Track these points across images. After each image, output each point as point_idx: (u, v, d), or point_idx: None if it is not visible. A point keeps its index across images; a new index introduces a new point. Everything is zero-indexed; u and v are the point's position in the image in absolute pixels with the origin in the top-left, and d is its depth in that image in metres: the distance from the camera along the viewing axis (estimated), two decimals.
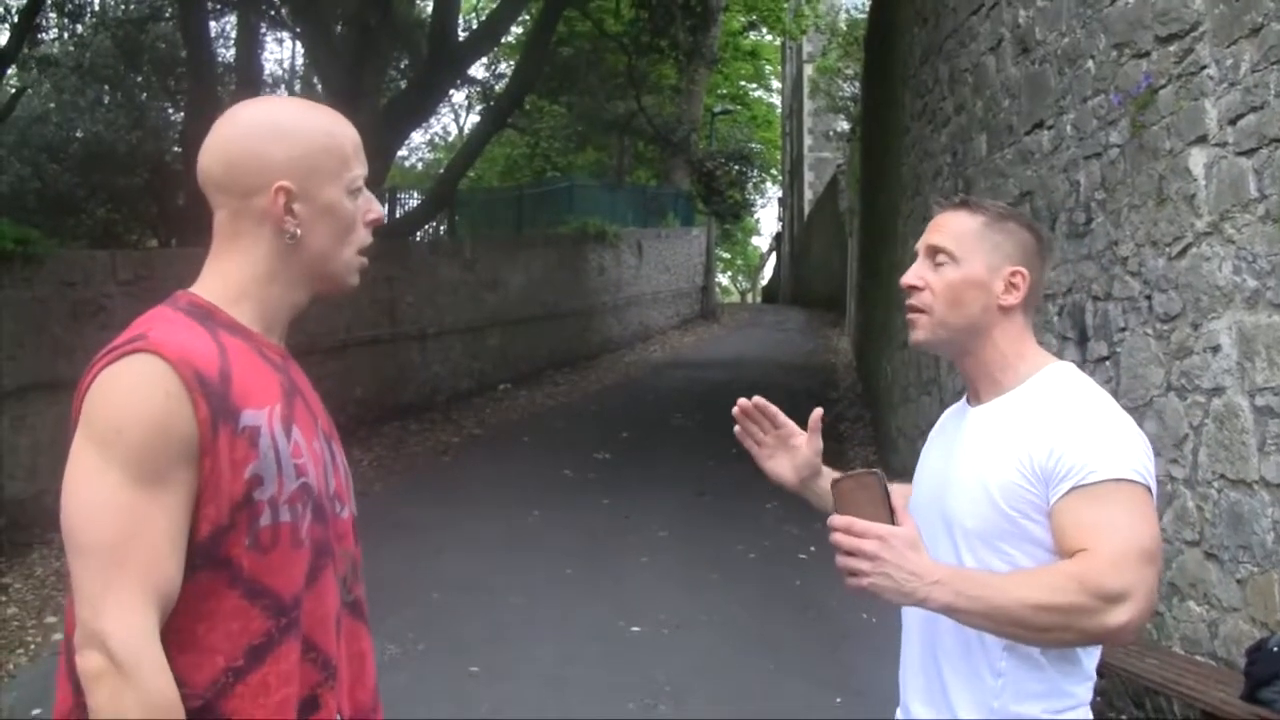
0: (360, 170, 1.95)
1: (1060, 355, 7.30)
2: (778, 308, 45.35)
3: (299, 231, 1.88)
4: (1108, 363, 6.81)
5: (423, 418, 15.64)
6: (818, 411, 2.59)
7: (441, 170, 21.48)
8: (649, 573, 9.01)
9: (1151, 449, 2.32)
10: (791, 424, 2.67)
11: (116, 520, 1.67)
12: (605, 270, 24.31)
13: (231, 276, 1.90)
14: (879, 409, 14.32)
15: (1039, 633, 2.13)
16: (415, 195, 21.23)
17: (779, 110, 57.82)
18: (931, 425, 9.28)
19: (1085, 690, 2.31)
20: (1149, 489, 2.21)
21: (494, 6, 20.12)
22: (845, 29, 26.40)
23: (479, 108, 21.98)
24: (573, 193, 24.18)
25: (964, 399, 2.55)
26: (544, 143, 25.63)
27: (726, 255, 68.23)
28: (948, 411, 2.67)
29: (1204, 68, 5.87)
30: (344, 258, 1.96)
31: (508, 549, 9.58)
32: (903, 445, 11.39)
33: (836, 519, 2.10)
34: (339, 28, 16.48)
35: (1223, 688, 4.85)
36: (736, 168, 24.22)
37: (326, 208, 1.90)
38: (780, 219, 64.00)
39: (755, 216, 61.62)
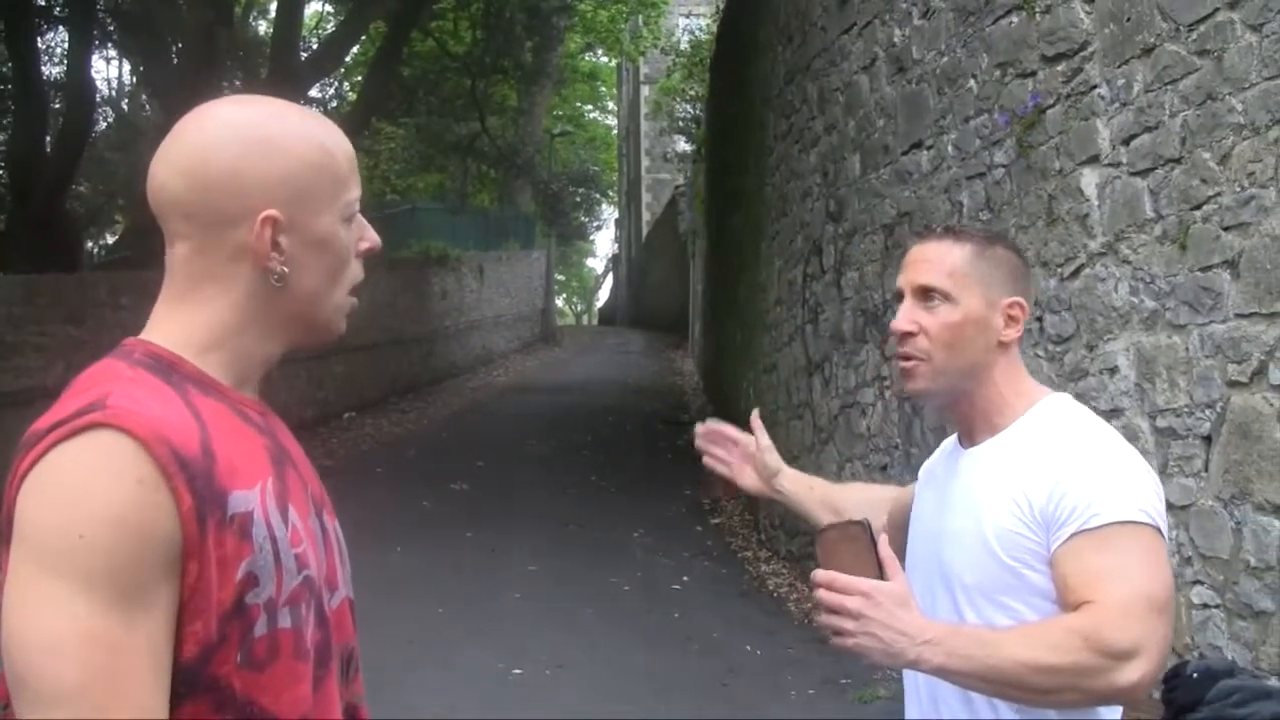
0: (356, 191, 1.57)
1: None
2: (617, 330, 45.27)
3: (286, 270, 1.49)
4: None
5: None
6: (755, 412, 2.59)
7: None
8: (523, 610, 8.69)
9: (1160, 485, 2.14)
10: (747, 436, 2.60)
11: (85, 658, 1.26)
12: (448, 294, 23.90)
13: (198, 324, 1.49)
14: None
15: (1041, 695, 1.98)
16: None
17: (615, 132, 57.94)
18: (804, 449, 9.20)
19: None
20: (1159, 530, 2.03)
21: (335, 27, 19.60)
22: (690, 50, 26.47)
23: None
24: (415, 216, 23.70)
25: (953, 441, 2.34)
26: (384, 165, 25.06)
27: (561, 277, 68.12)
28: (937, 453, 2.45)
29: (1094, 87, 5.83)
30: (334, 300, 1.56)
31: (372, 589, 9.05)
32: None
33: (819, 574, 1.93)
34: (175, 45, 15.78)
35: (1142, 716, 4.75)
36: (581, 189, 24.04)
37: (319, 240, 1.52)
38: (616, 240, 64.13)
39: (591, 238, 61.61)
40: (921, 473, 2.46)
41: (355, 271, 1.59)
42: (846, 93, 9.00)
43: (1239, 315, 4.86)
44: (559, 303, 68.16)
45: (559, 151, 37.50)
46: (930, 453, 7.38)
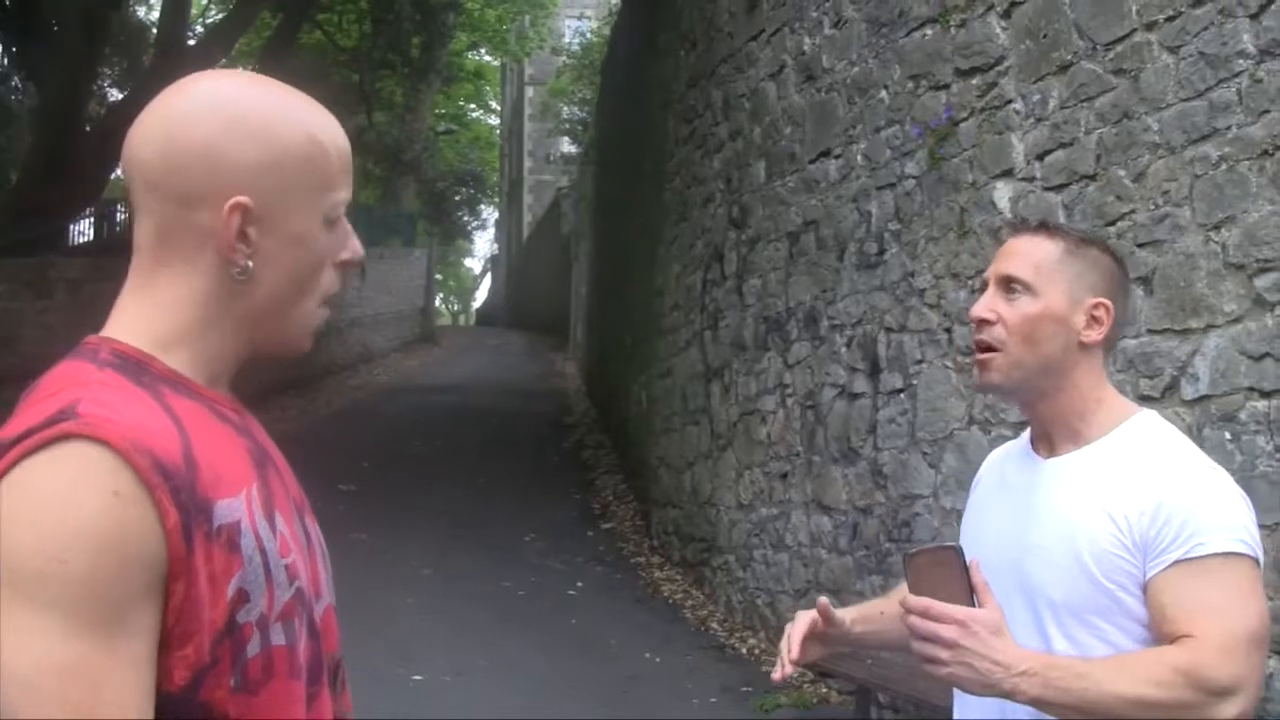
0: (345, 193, 1.43)
1: (849, 386, 7.29)
2: (497, 331, 44.90)
3: (250, 265, 1.35)
4: (903, 395, 6.79)
5: None
6: (823, 603, 2.22)
7: None
8: (420, 615, 8.53)
9: (1253, 510, 2.08)
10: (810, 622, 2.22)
11: (65, 692, 1.14)
12: None
13: (162, 314, 1.36)
14: (628, 437, 14.17)
15: None
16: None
17: (498, 132, 57.58)
18: (700, 455, 9.13)
19: None
20: (1258, 561, 1.99)
21: (224, 14, 19.12)
22: (581, 52, 26.38)
23: None
24: None
25: (1024, 447, 2.26)
26: None
27: (439, 277, 67.56)
28: (999, 460, 2.36)
29: (1009, 102, 5.90)
30: (302, 310, 1.42)
31: None
32: (664, 475, 11.24)
33: (912, 600, 1.88)
34: (55, 27, 15.21)
35: None
36: (466, 189, 23.79)
37: (292, 239, 1.38)
38: (496, 241, 63.72)
39: (471, 238, 61.13)
40: (985, 474, 2.37)
41: (329, 281, 1.44)
42: (753, 99, 9.00)
43: (1152, 331, 4.95)
44: (436, 302, 67.57)
45: (443, 150, 37.16)
46: (832, 460, 7.40)
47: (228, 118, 1.35)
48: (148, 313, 1.36)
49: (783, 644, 2.19)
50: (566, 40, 32.60)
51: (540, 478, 14.50)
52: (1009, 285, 2.11)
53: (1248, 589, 1.95)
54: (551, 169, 41.50)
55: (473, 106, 53.09)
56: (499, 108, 56.08)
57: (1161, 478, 2.00)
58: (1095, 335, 2.11)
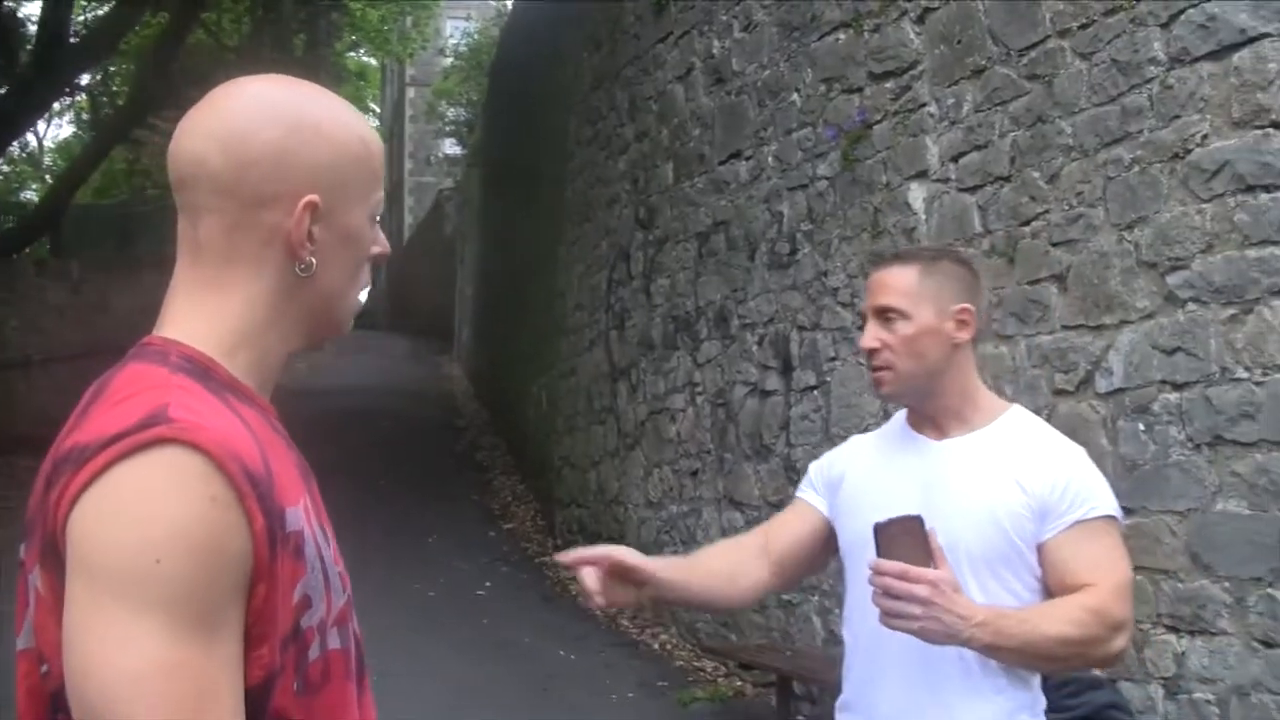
0: (382, 192, 1.50)
1: (761, 384, 7.41)
2: (379, 333, 44.31)
3: (314, 262, 1.40)
4: (816, 392, 6.93)
5: (37, 451, 14.16)
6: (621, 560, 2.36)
7: (29, 184, 19.72)
8: None
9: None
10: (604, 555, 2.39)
11: (170, 689, 1.16)
12: None
13: (228, 315, 1.38)
14: (527, 437, 14.17)
15: (1060, 662, 2.39)
16: None
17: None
18: (606, 454, 9.15)
19: (1041, 694, 2.48)
20: (1123, 524, 2.46)
21: (108, 11, 18.65)
22: (469, 53, 26.23)
23: (83, 118, 20.37)
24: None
25: (901, 431, 2.58)
26: (145, 159, 23.96)
27: None
28: (869, 447, 2.66)
29: (924, 105, 6.06)
30: (351, 300, 1.48)
31: None
32: (568, 475, 11.28)
33: (887, 564, 2.16)
34: None
35: None
36: None
37: (348, 235, 1.43)
38: None
39: None
40: (856, 459, 2.64)
41: (367, 274, 1.51)
42: (660, 101, 9.10)
43: (1066, 327, 5.14)
44: None
45: None
46: (744, 457, 7.48)
47: (292, 121, 1.39)
48: (212, 314, 1.38)
49: (586, 572, 2.33)
50: (451, 40, 32.38)
51: (438, 480, 14.42)
52: (885, 314, 2.45)
53: (1122, 545, 2.42)
54: (433, 171, 41.16)
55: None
56: (378, 109, 55.50)
57: (1055, 455, 2.42)
58: (965, 335, 2.48)
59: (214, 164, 1.36)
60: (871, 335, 2.47)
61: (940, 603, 2.13)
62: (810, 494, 2.68)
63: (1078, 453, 2.46)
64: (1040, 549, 2.36)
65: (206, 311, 1.38)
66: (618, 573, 2.37)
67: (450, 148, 35.48)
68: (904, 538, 2.16)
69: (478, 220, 23.31)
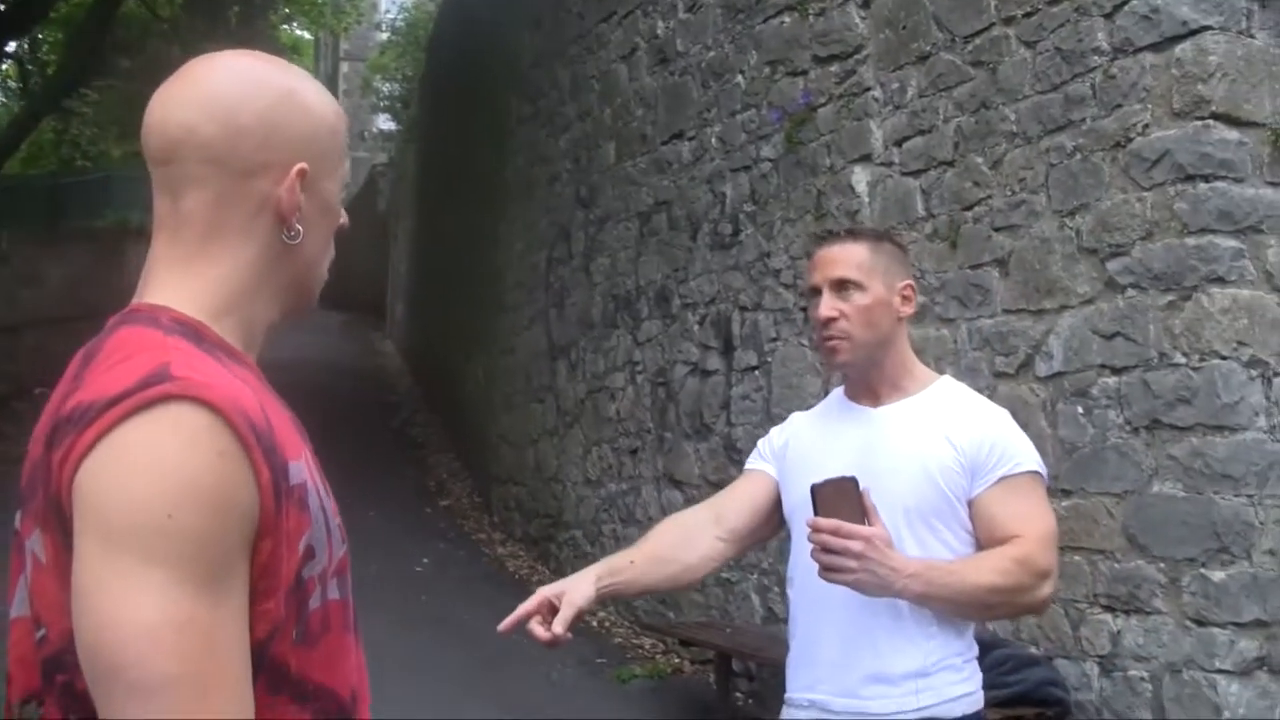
0: (348, 163, 1.55)
1: (703, 363, 7.43)
2: (311, 310, 43.99)
3: (300, 230, 1.42)
4: (757, 372, 6.98)
5: None
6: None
7: None
8: None
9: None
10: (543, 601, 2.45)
11: (184, 643, 1.17)
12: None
13: (215, 283, 1.39)
14: (463, 414, 14.12)
15: (989, 610, 2.61)
16: None
17: None
18: (544, 432, 9.15)
19: (974, 643, 2.60)
20: (1046, 480, 2.62)
21: None
22: (405, 28, 25.95)
23: (10, 87, 19.90)
24: (110, 185, 22.40)
25: (839, 403, 2.74)
26: (74, 129, 23.50)
27: None
28: (811, 420, 2.80)
29: (868, 89, 6.11)
30: (323, 270, 1.51)
31: None
32: (506, 452, 11.26)
33: (823, 521, 2.28)
34: None
35: None
36: None
37: (325, 204, 1.46)
38: None
39: None
40: (800, 431, 2.77)
41: (331, 246, 1.53)
42: (603, 81, 9.08)
43: (1008, 311, 5.22)
44: None
45: None
46: (684, 436, 7.48)
47: (278, 92, 1.41)
48: (199, 282, 1.39)
49: (532, 625, 2.39)
50: (386, 14, 32.06)
51: (373, 456, 14.31)
52: (842, 285, 2.58)
53: (1046, 500, 2.58)
54: (367, 146, 40.77)
55: None
56: None
57: (981, 417, 2.58)
58: (908, 310, 2.65)
59: (204, 134, 1.37)
60: (829, 305, 2.58)
61: (874, 556, 2.27)
62: (760, 463, 2.80)
63: (1003, 414, 2.63)
64: (970, 504, 2.51)
65: (193, 279, 1.38)
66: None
67: (384, 123, 35.13)
68: (839, 497, 2.29)
69: (413, 197, 23.14)
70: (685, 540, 2.71)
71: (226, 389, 1.25)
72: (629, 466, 8.49)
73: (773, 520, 2.75)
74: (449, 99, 16.73)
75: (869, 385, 2.66)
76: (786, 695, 2.65)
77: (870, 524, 2.30)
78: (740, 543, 2.76)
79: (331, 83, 47.46)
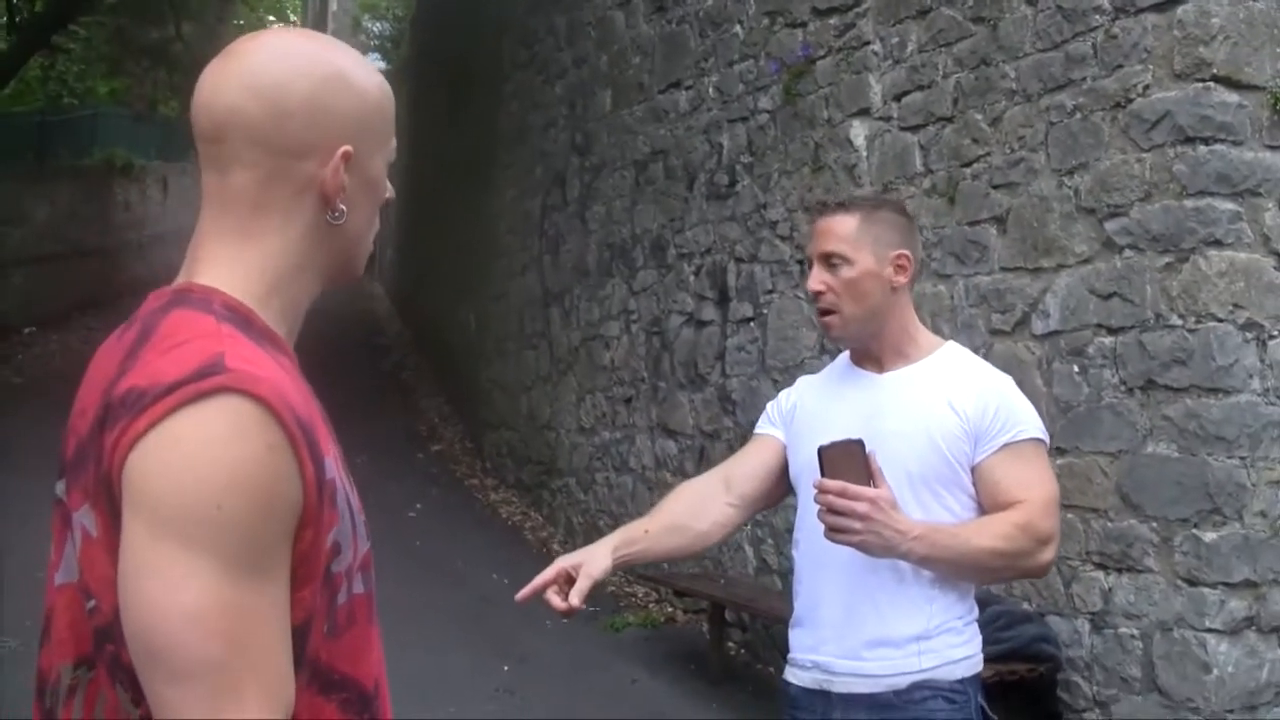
0: (395, 139, 1.54)
1: (698, 314, 7.45)
2: None
3: (344, 209, 1.44)
4: (752, 324, 6.99)
5: None
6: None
7: None
8: None
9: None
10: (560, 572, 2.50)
11: (225, 627, 1.21)
12: (130, 206, 22.53)
13: (259, 265, 1.41)
14: (453, 359, 14.13)
15: (991, 573, 2.67)
16: None
17: None
18: (538, 379, 9.19)
19: (974, 605, 2.65)
20: (1048, 445, 2.65)
21: None
22: None
23: None
24: (97, 122, 22.22)
25: (845, 368, 2.75)
26: (60, 65, 23.28)
27: None
28: (818, 383, 2.83)
29: (867, 43, 6.09)
30: (368, 244, 1.53)
31: None
32: (498, 398, 11.29)
33: (829, 483, 2.32)
34: None
35: None
36: None
37: (371, 182, 1.48)
38: None
39: None
40: (804, 396, 2.80)
41: (378, 219, 1.56)
42: (599, 27, 9.02)
43: (1005, 269, 5.24)
44: None
45: None
46: (678, 386, 7.50)
47: (324, 72, 1.43)
48: (247, 262, 1.41)
49: (549, 595, 2.42)
50: None
51: (363, 400, 14.30)
52: (829, 259, 2.62)
53: (1048, 466, 2.63)
54: None
55: (271, 18, 51.31)
56: (298, 21, 54.31)
57: (985, 383, 2.61)
58: (903, 279, 2.64)
59: (251, 115, 1.39)
60: (816, 279, 2.63)
61: (879, 518, 2.31)
62: (768, 428, 2.82)
63: (1006, 381, 2.65)
64: (974, 470, 2.54)
65: (241, 259, 1.41)
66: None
67: (374, 61, 34.95)
68: (845, 459, 2.34)
69: (403, 139, 22.90)
70: (697, 508, 2.77)
71: (277, 382, 1.28)
72: (623, 415, 8.52)
73: (782, 484, 2.78)
74: (441, 42, 16.61)
75: (871, 353, 2.69)
76: (790, 656, 2.69)
77: (876, 486, 2.34)
78: (751, 507, 2.83)
79: (320, 21, 47.04)
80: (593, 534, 8.94)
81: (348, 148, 1.42)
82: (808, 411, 2.74)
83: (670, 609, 7.60)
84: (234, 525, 1.22)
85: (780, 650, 6.29)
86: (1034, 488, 2.52)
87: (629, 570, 8.27)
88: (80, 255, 19.46)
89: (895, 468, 2.45)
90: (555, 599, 2.42)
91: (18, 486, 8.89)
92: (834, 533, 2.35)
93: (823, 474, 2.35)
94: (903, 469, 2.49)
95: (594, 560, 2.48)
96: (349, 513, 1.37)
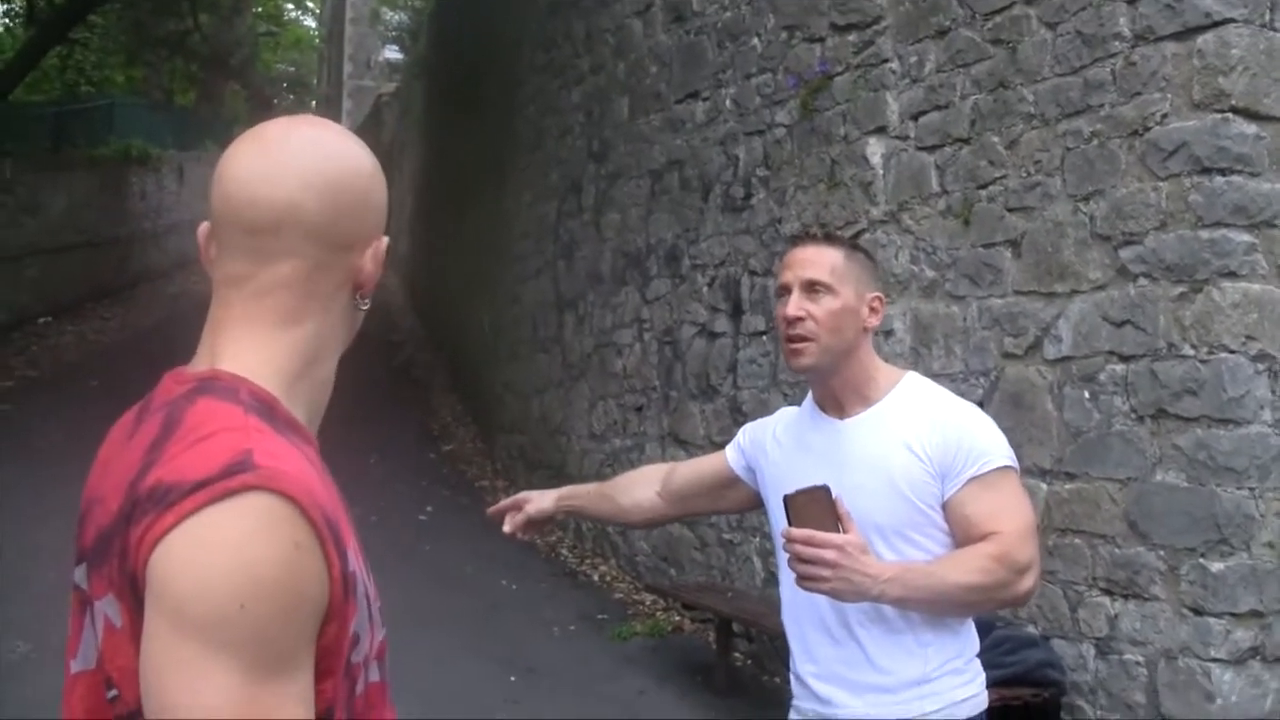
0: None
1: (710, 325, 7.46)
2: None
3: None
4: (765, 337, 7.01)
5: None
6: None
7: None
8: None
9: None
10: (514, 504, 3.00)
11: None
12: (146, 195, 22.63)
13: (293, 350, 1.43)
14: (466, 358, 14.16)
15: (969, 607, 2.56)
16: None
17: (315, 34, 55.81)
18: (550, 384, 9.26)
19: (975, 639, 2.65)
20: (1018, 470, 2.59)
21: None
22: None
23: (17, 15, 19.70)
24: (114, 111, 22.33)
25: (811, 413, 2.71)
26: (78, 55, 23.34)
27: None
28: (789, 425, 2.78)
29: (885, 61, 6.10)
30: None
31: None
32: (510, 401, 11.32)
33: (796, 532, 2.31)
34: None
35: None
36: (292, 96, 23.11)
37: (381, 265, 1.52)
38: None
39: None
40: (780, 437, 2.78)
41: None
42: (617, 35, 9.04)
43: (1019, 292, 5.24)
44: None
45: (262, 52, 35.99)
46: (690, 396, 7.54)
47: (368, 171, 1.48)
48: (281, 349, 1.43)
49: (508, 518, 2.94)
50: None
51: (376, 396, 14.36)
52: (812, 287, 2.57)
53: (1020, 491, 2.58)
54: (373, 75, 40.58)
55: (290, 6, 51.36)
56: (314, 7, 54.31)
57: (945, 418, 2.55)
58: (874, 321, 2.64)
59: (310, 211, 1.41)
60: (796, 305, 2.57)
61: (847, 564, 2.29)
62: (731, 449, 2.89)
63: (967, 410, 2.62)
64: (944, 507, 2.50)
65: (276, 345, 1.43)
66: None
67: (391, 53, 34.97)
68: (811, 506, 2.32)
69: (419, 134, 23.03)
70: (631, 486, 3.04)
71: (304, 478, 1.28)
72: (634, 423, 8.55)
73: (715, 499, 2.97)
74: (460, 38, 16.62)
75: (832, 394, 2.64)
76: (793, 702, 2.70)
77: (845, 531, 2.31)
78: (679, 505, 3.01)
79: (339, 11, 47.11)
80: (601, 540, 8.99)
81: (386, 239, 1.48)
82: (777, 460, 2.73)
83: (677, 617, 7.62)
84: (258, 625, 1.21)
85: (786, 663, 6.33)
86: (1007, 517, 2.48)
87: (637, 579, 8.33)
88: (95, 245, 19.54)
89: (863, 520, 2.42)
90: (507, 523, 2.90)
91: (33, 481, 8.95)
92: (804, 581, 2.33)
93: (790, 523, 2.33)
94: (871, 523, 2.46)
95: (539, 501, 2.91)
96: (366, 602, 1.37)
